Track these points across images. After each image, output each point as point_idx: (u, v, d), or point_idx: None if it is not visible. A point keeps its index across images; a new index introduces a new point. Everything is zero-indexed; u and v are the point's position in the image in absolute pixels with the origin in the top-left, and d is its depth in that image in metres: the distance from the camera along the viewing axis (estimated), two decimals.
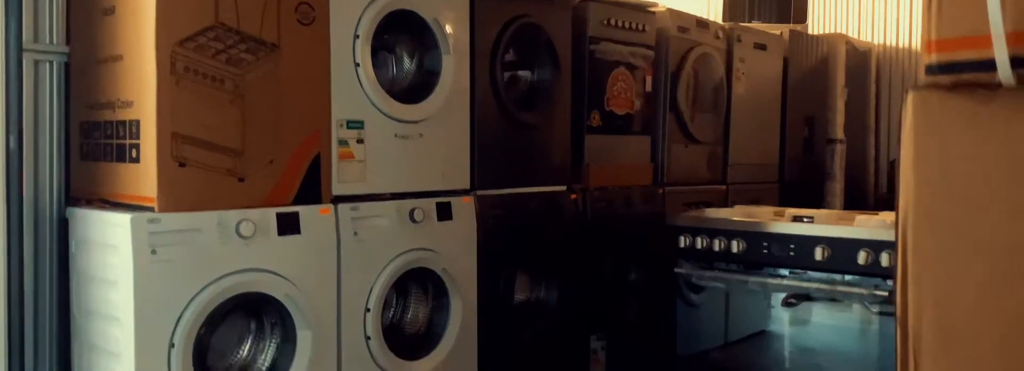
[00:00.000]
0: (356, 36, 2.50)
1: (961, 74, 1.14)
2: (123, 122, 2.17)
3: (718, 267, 3.02)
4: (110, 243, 2.08)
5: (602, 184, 3.48)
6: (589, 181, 3.42)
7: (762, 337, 3.54)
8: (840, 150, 5.27)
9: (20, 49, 2.20)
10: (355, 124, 2.52)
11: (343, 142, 2.49)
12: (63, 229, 2.32)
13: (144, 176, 2.10)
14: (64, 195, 2.38)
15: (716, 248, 2.93)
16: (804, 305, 3.79)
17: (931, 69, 1.18)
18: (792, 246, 2.78)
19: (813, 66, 5.12)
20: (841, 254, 2.66)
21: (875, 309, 3.69)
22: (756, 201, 4.24)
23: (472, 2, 2.89)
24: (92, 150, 2.31)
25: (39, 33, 2.35)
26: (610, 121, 3.56)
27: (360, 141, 2.54)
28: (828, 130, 5.24)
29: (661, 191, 3.81)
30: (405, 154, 2.68)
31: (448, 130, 2.82)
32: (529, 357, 3.13)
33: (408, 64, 2.84)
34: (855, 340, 3.49)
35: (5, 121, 2.18)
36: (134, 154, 2.14)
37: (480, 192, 2.95)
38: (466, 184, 2.92)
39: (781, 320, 3.68)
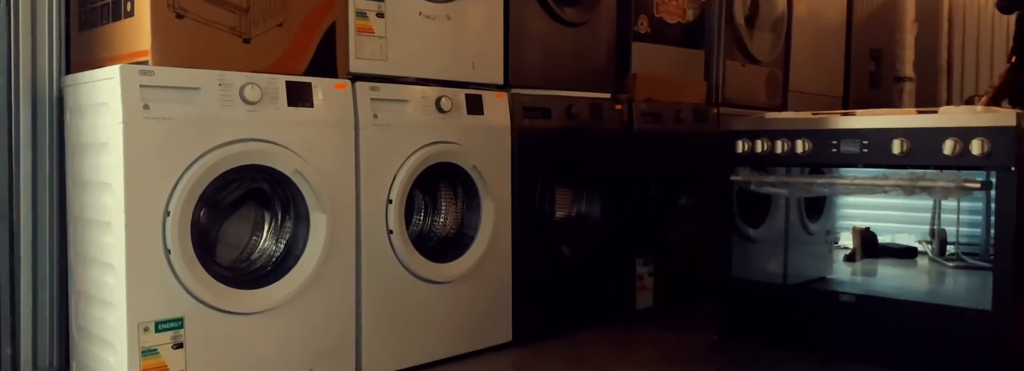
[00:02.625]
0: None
1: None
2: None
3: (779, 172, 2.70)
4: (101, 101, 1.88)
5: (650, 96, 3.19)
6: (636, 92, 3.14)
7: (822, 283, 3.22)
8: (909, 89, 4.89)
9: None
10: None
11: (361, 14, 2.26)
12: (63, 106, 2.14)
13: (138, 28, 1.90)
14: (64, 69, 2.20)
15: (778, 150, 2.62)
16: (867, 260, 3.46)
17: None
18: (865, 142, 2.45)
19: None
20: (923, 145, 2.33)
21: (950, 263, 3.33)
22: None
23: None
24: (90, 17, 2.12)
25: None
26: (660, 29, 3.27)
27: (380, 15, 2.30)
28: (896, 67, 4.86)
29: (715, 111, 3.50)
30: (432, 37, 2.44)
31: (479, 16, 2.57)
32: (569, 275, 2.86)
33: None
34: (925, 294, 3.15)
35: None
36: (129, 8, 1.94)
37: (514, 90, 2.70)
38: (499, 79, 2.66)
39: (843, 269, 3.36)
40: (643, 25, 3.20)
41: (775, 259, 3.18)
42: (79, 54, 2.17)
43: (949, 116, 2.35)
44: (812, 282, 3.18)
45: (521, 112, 2.69)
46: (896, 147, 2.37)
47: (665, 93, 3.27)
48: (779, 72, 3.92)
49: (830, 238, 3.45)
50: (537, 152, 2.73)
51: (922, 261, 3.38)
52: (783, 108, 3.95)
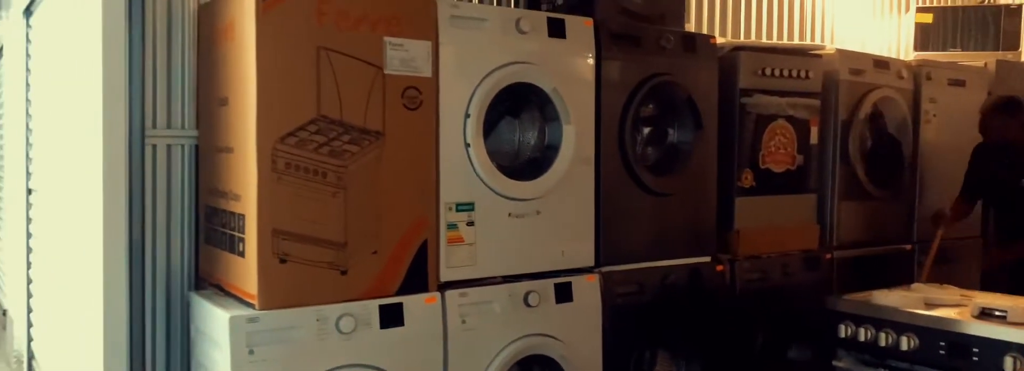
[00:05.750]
0: (467, 115, 2.39)
1: None
2: (232, 214, 2.20)
3: (888, 364, 2.58)
4: (213, 338, 2.11)
5: (755, 252, 3.13)
6: (739, 249, 3.09)
7: None
8: None
9: (143, 135, 2.33)
10: (465, 206, 2.41)
11: (452, 225, 2.39)
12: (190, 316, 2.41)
13: (247, 272, 2.11)
14: (193, 275, 2.47)
15: (882, 342, 2.51)
16: None
17: None
18: (975, 350, 2.31)
19: None
20: None
21: None
22: (952, 263, 3.67)
23: (598, 64, 2.69)
24: (212, 235, 2.37)
25: (172, 118, 2.47)
26: (766, 180, 3.20)
27: (470, 223, 2.42)
28: None
29: (829, 256, 3.38)
30: (520, 233, 2.53)
31: (569, 205, 2.64)
32: None
33: (531, 135, 2.69)
34: None
35: (128, 207, 2.30)
36: (240, 248, 2.15)
37: (606, 268, 2.74)
38: (590, 261, 2.71)
39: None
40: (747, 180, 3.15)
41: None
42: (206, 264, 2.43)
43: None
44: None
45: (614, 289, 2.72)
46: (1008, 366, 2.21)
47: (772, 244, 3.20)
48: (903, 204, 3.71)
49: None
50: (631, 328, 2.75)
51: None
52: (909, 239, 3.74)
